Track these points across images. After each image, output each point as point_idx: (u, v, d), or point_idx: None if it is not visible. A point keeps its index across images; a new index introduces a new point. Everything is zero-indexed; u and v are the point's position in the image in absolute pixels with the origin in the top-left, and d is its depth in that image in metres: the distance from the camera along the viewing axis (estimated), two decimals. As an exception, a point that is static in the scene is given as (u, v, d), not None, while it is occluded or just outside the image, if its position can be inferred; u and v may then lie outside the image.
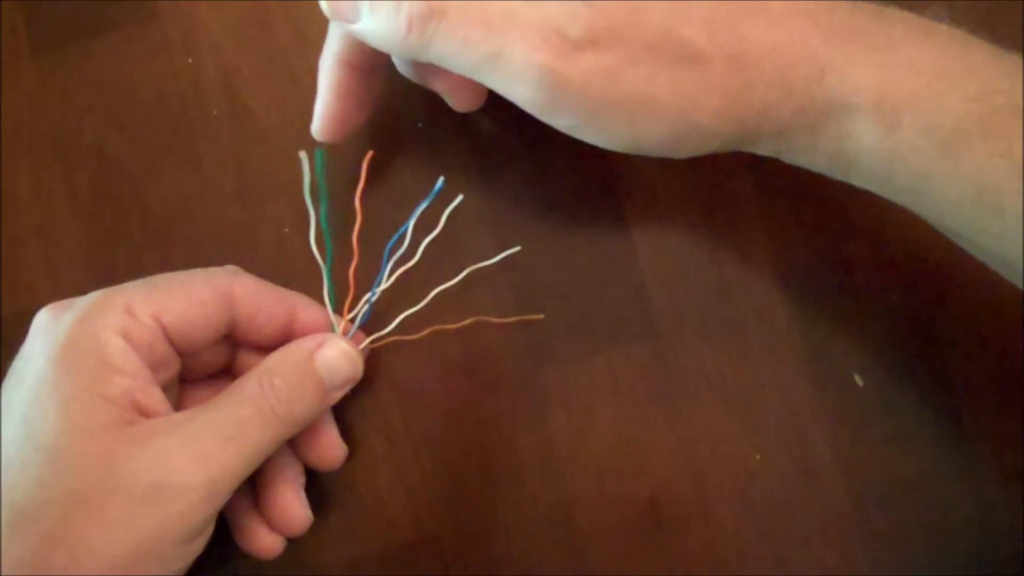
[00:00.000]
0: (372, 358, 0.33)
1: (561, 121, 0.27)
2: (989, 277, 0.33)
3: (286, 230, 0.34)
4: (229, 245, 0.34)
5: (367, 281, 0.31)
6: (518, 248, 0.32)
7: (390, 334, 0.31)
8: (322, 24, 0.35)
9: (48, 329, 0.28)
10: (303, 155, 0.30)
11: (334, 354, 0.29)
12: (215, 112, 0.35)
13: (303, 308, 0.31)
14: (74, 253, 0.34)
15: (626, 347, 0.34)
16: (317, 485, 0.33)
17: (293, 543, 0.33)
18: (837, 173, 0.27)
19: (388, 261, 0.31)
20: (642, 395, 0.34)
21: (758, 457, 0.33)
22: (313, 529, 0.33)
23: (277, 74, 0.35)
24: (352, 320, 0.31)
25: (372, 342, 0.31)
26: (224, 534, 0.31)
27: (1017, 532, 0.33)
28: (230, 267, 0.31)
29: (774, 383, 0.34)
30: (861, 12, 0.26)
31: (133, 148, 0.35)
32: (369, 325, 0.32)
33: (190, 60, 0.35)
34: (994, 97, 0.24)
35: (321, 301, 0.31)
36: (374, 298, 0.31)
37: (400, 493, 0.34)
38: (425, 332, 0.32)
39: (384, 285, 0.31)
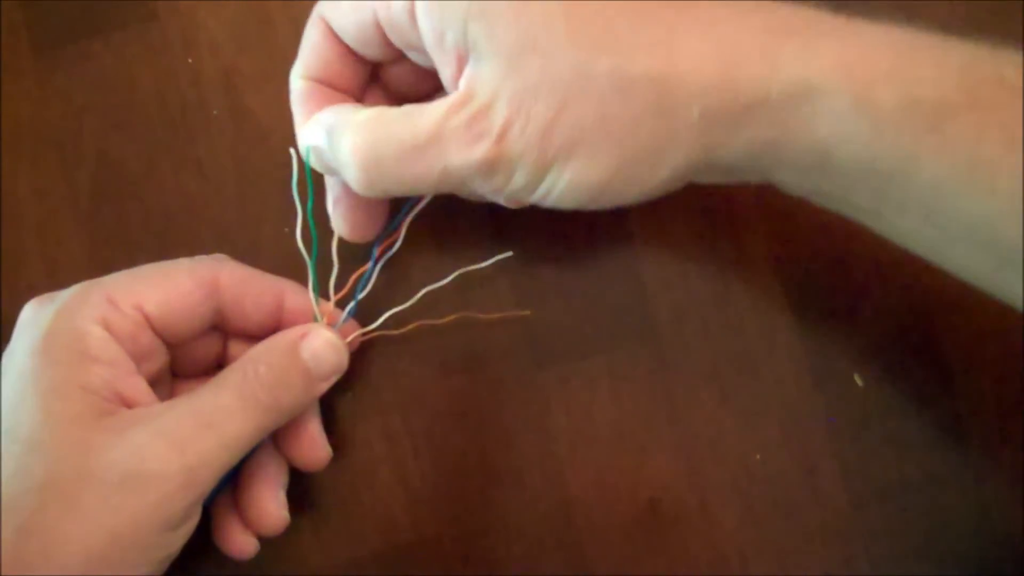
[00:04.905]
0: (372, 357, 0.34)
1: (521, 194, 0.27)
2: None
3: (286, 230, 0.34)
4: (229, 245, 0.34)
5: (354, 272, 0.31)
6: (510, 253, 0.32)
7: (376, 329, 0.31)
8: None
9: (31, 322, 0.28)
10: (293, 152, 0.30)
11: (319, 343, 0.29)
12: (215, 112, 0.35)
13: (291, 295, 0.31)
14: (74, 253, 0.34)
15: (626, 347, 0.34)
16: (317, 485, 0.33)
17: (293, 543, 0.33)
18: (810, 176, 0.25)
19: (376, 261, 0.31)
20: (642, 395, 0.34)
21: (758, 457, 0.33)
22: (313, 529, 0.33)
23: (277, 74, 0.35)
24: (339, 307, 0.31)
25: (358, 336, 0.31)
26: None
27: (1017, 532, 0.33)
28: (218, 255, 0.31)
29: (774, 383, 0.34)
30: (811, 9, 0.25)
31: (133, 148, 0.35)
32: (360, 322, 0.32)
33: (190, 60, 0.35)
34: (977, 69, 0.23)
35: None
36: (361, 295, 0.31)
37: (400, 493, 0.34)
38: (410, 327, 0.32)
39: (372, 273, 0.31)
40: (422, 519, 0.33)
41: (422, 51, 0.27)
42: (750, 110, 0.24)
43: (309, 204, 0.30)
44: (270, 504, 0.30)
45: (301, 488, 0.33)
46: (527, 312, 0.34)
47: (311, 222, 0.30)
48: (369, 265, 0.31)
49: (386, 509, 0.33)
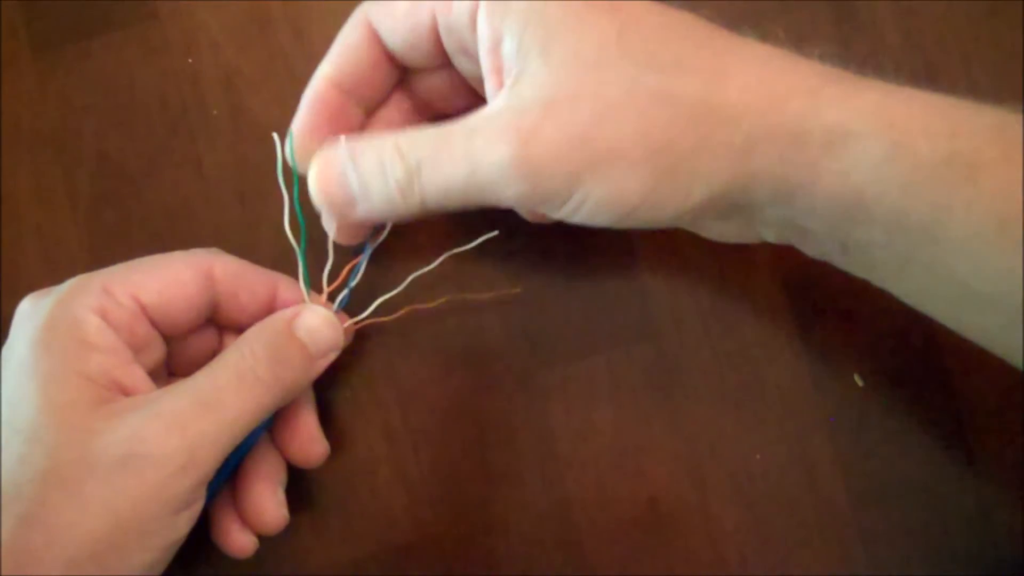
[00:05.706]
0: (370, 355, 0.33)
1: (550, 206, 0.26)
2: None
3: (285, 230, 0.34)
4: (229, 245, 0.34)
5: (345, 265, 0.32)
6: (496, 232, 0.32)
7: (368, 317, 0.31)
8: (322, 24, 0.35)
9: (29, 314, 0.28)
10: (276, 136, 0.30)
11: (313, 319, 0.29)
12: (215, 112, 0.35)
13: (285, 287, 0.31)
14: (74, 253, 0.34)
15: (626, 347, 0.34)
16: (316, 484, 0.33)
17: (293, 543, 0.33)
18: (839, 226, 0.25)
19: (369, 248, 0.31)
20: (642, 395, 0.34)
21: (758, 457, 0.33)
22: (313, 529, 0.33)
23: (277, 74, 0.35)
24: (331, 299, 0.31)
25: (351, 325, 0.31)
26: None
27: (1017, 532, 0.33)
28: (212, 248, 0.31)
29: (774, 383, 0.34)
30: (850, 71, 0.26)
31: (133, 148, 0.35)
32: (351, 315, 0.32)
33: (190, 60, 0.35)
34: (1009, 128, 0.24)
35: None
36: (353, 283, 0.31)
37: (400, 493, 0.34)
38: (401, 312, 0.32)
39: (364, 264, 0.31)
40: (422, 519, 0.33)
41: (473, 57, 0.27)
42: (790, 147, 0.24)
43: (295, 192, 0.30)
44: (269, 502, 0.30)
45: (301, 487, 0.33)
46: (517, 290, 0.33)
47: (298, 210, 0.30)
48: (363, 256, 0.31)
49: (386, 509, 0.33)
